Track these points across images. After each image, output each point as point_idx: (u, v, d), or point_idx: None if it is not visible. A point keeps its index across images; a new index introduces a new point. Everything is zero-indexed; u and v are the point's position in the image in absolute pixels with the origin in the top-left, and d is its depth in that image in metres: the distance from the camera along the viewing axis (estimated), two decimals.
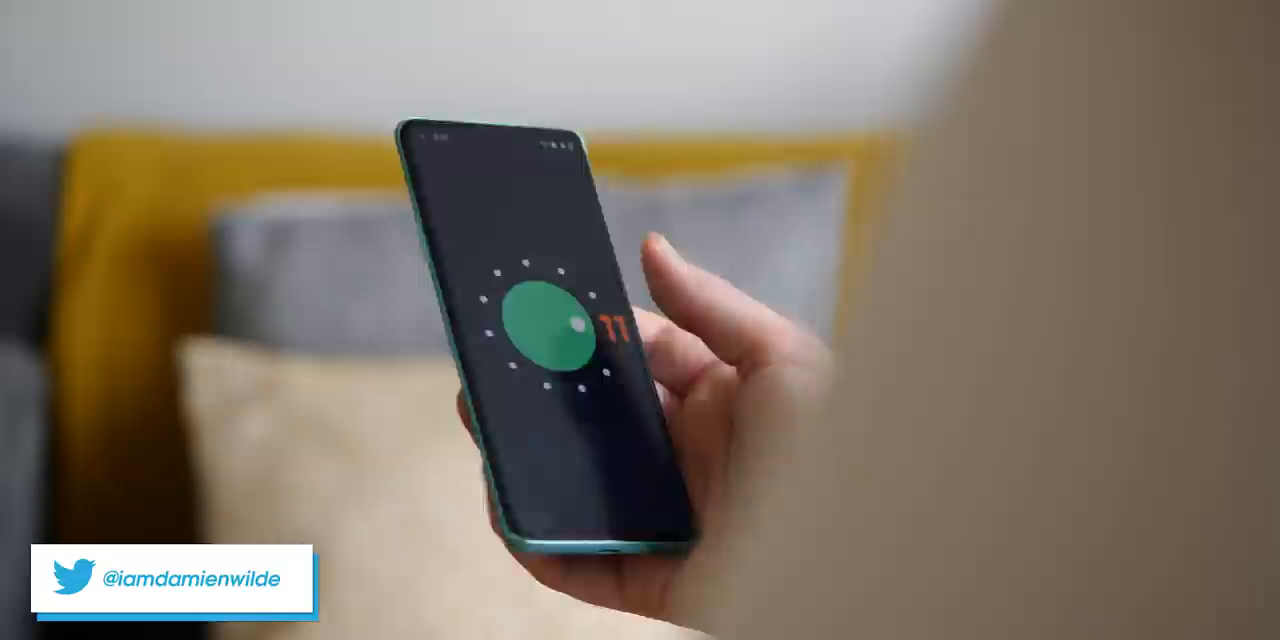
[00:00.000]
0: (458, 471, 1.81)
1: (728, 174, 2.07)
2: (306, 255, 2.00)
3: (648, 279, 0.69)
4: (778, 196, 2.04)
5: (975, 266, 0.25)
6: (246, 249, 2.00)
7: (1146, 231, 0.24)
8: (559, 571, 0.68)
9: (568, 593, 0.68)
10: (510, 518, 0.65)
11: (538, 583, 0.69)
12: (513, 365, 0.68)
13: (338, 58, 2.22)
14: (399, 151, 0.70)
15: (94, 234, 2.06)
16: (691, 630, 0.67)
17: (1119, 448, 0.24)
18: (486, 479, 0.66)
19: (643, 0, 2.23)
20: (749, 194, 2.04)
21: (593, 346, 0.70)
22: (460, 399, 0.69)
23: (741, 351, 0.67)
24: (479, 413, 0.67)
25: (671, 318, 0.69)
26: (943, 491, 0.25)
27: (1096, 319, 0.24)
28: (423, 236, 0.69)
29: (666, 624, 0.68)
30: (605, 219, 0.72)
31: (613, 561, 0.68)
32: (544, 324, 0.69)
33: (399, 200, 2.04)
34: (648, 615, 0.68)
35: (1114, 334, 0.24)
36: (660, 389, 0.70)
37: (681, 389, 0.70)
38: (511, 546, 0.65)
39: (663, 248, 0.69)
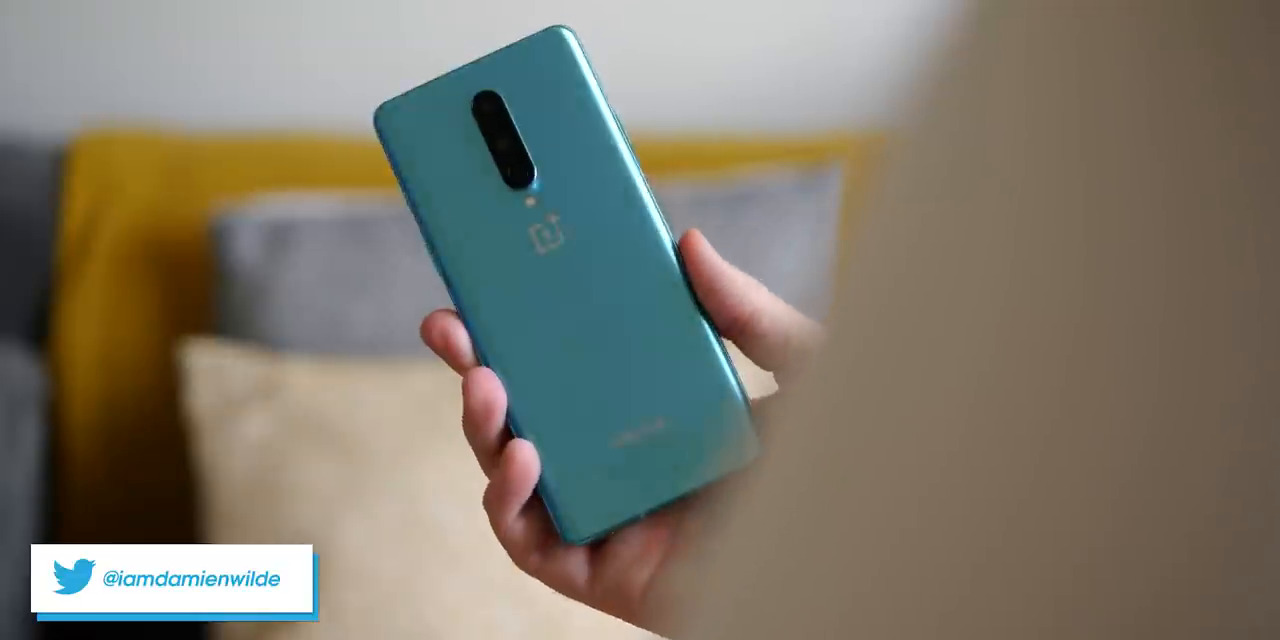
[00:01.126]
0: (458, 471, 1.81)
1: (728, 174, 2.07)
2: (306, 255, 2.00)
3: (694, 277, 0.69)
4: (777, 196, 2.04)
5: (960, 267, 0.25)
6: (246, 249, 2.00)
7: (1131, 229, 0.24)
8: (537, 556, 0.68)
9: (540, 580, 0.69)
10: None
11: (538, 582, 0.69)
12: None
13: (338, 58, 2.22)
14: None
15: (94, 234, 2.06)
16: (660, 634, 0.67)
17: (1111, 448, 0.24)
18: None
19: (642, 0, 2.23)
20: (749, 194, 2.04)
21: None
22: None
23: (785, 360, 0.67)
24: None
25: (716, 317, 0.69)
26: (932, 493, 0.25)
27: (1083, 319, 0.24)
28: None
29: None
30: None
31: (592, 556, 0.68)
32: None
33: (399, 200, 2.04)
34: (616, 613, 0.68)
35: (1102, 332, 0.24)
36: None
37: None
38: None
39: (704, 247, 0.69)
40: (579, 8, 2.22)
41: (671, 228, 0.70)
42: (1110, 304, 0.24)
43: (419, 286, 1.98)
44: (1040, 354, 0.24)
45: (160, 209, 2.08)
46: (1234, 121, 0.24)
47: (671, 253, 0.68)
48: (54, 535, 2.02)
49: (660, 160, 2.09)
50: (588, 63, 0.68)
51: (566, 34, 0.69)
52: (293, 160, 2.10)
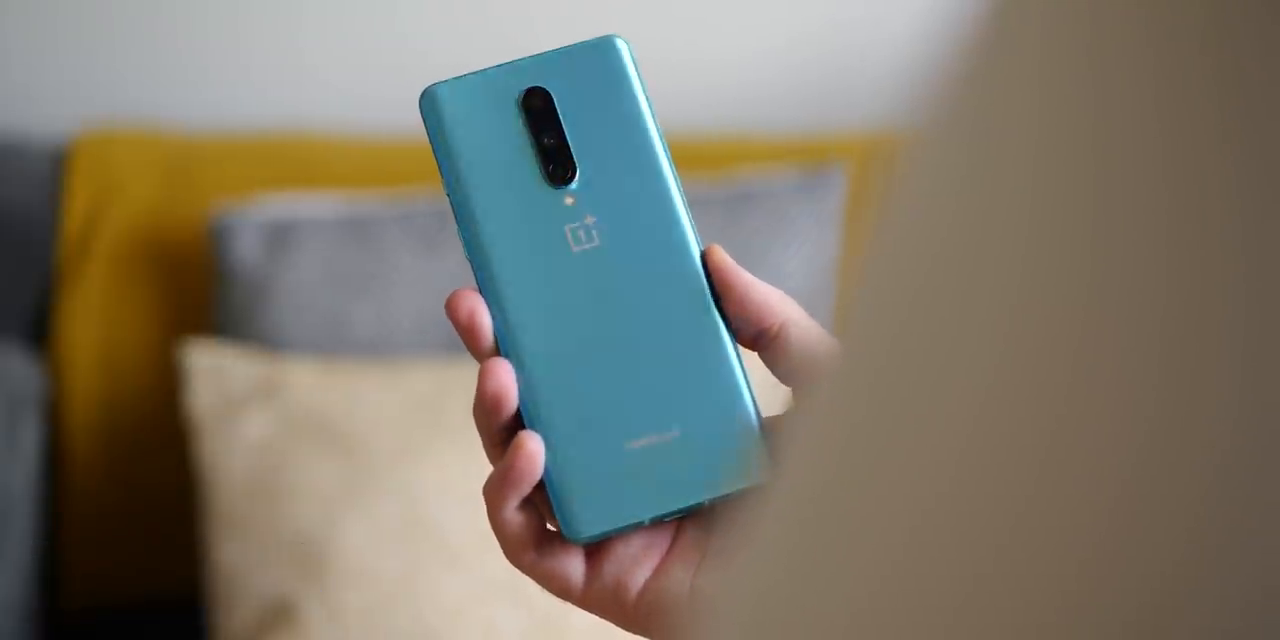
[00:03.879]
0: (458, 471, 1.81)
1: (728, 174, 2.07)
2: (306, 255, 2.00)
3: (725, 289, 0.69)
4: (778, 196, 2.04)
5: (974, 267, 0.25)
6: (246, 249, 2.00)
7: (1144, 230, 0.24)
8: (533, 554, 0.68)
9: (532, 577, 0.68)
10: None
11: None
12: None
13: (338, 58, 2.22)
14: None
15: (94, 234, 2.06)
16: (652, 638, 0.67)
17: (1118, 447, 0.24)
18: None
19: (643, 0, 2.23)
20: (749, 194, 2.04)
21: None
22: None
23: (805, 369, 0.68)
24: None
25: (745, 328, 0.69)
26: (943, 492, 0.25)
27: (1094, 318, 0.24)
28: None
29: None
30: None
31: (589, 556, 0.68)
32: None
33: (399, 200, 2.04)
34: (608, 615, 0.68)
35: (1112, 333, 0.24)
36: None
37: None
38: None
39: (730, 260, 0.70)
40: (580, 9, 2.22)
41: (701, 241, 0.70)
42: (1117, 303, 0.24)
43: (419, 286, 1.98)
44: (1047, 361, 0.24)
45: (160, 209, 2.08)
46: (1233, 119, 0.24)
47: (700, 267, 0.69)
48: (54, 535, 2.02)
49: None
50: (638, 73, 0.69)
51: (621, 44, 0.69)
52: (293, 160, 2.10)
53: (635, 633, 0.68)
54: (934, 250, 0.26)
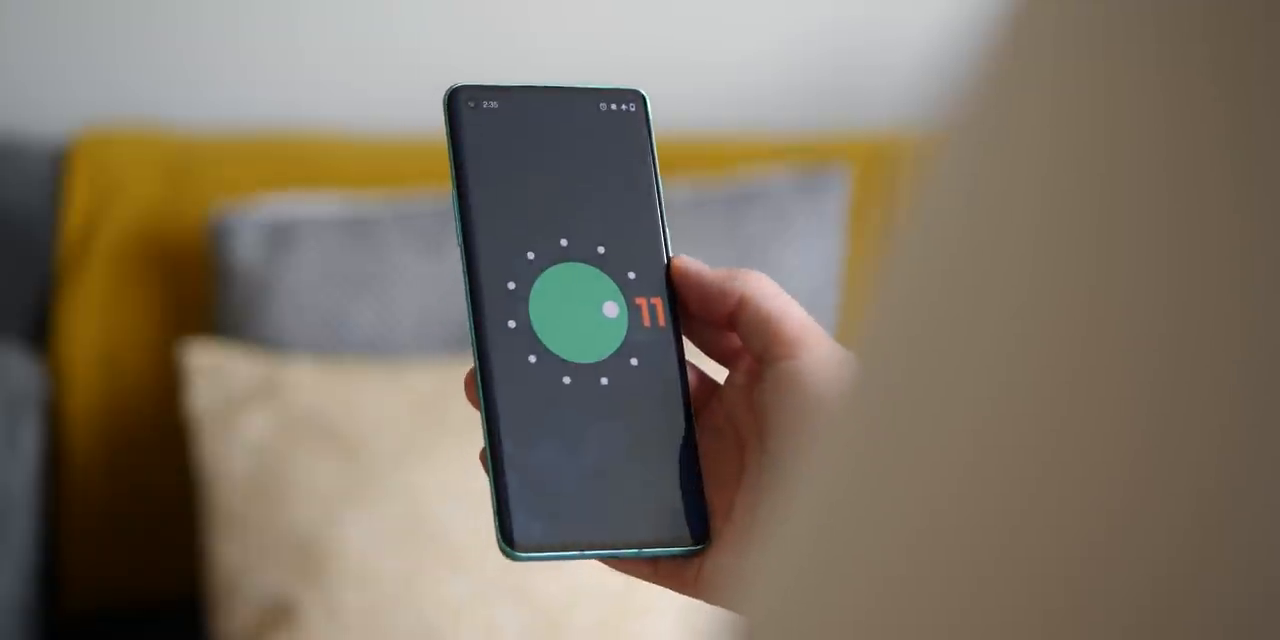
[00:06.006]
0: (458, 471, 1.81)
1: (728, 174, 2.07)
2: (306, 255, 2.00)
3: (683, 296, 0.70)
4: (778, 196, 2.04)
5: (987, 271, 0.26)
6: (246, 249, 2.00)
7: (1154, 235, 0.24)
8: None
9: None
10: (503, 526, 0.64)
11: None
12: (532, 359, 0.67)
13: (338, 58, 2.22)
14: (444, 119, 0.67)
15: (94, 234, 2.06)
16: (719, 609, 0.68)
17: (1125, 448, 0.24)
18: (489, 480, 0.66)
19: (643, 0, 2.23)
20: (749, 194, 2.04)
21: (623, 333, 0.68)
22: (471, 381, 0.68)
23: (763, 344, 0.67)
24: (489, 412, 0.67)
25: (705, 316, 0.70)
26: (956, 488, 0.25)
27: (1104, 321, 0.24)
28: (457, 218, 0.67)
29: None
30: (661, 187, 0.72)
31: None
32: (574, 310, 0.68)
33: (399, 200, 2.04)
34: (678, 590, 0.68)
35: (1121, 335, 0.24)
36: (704, 364, 0.70)
37: (731, 357, 0.71)
38: (504, 555, 0.64)
39: (687, 265, 0.70)
40: (581, 8, 2.22)
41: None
42: (1126, 306, 0.24)
43: (419, 286, 1.98)
44: (1056, 364, 0.24)
45: (161, 209, 2.08)
46: (1243, 126, 0.24)
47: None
48: (54, 535, 2.03)
49: (661, 160, 2.09)
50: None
51: (448, 96, 0.68)
52: (293, 160, 2.10)
53: (702, 600, 0.69)
54: (948, 257, 0.26)
